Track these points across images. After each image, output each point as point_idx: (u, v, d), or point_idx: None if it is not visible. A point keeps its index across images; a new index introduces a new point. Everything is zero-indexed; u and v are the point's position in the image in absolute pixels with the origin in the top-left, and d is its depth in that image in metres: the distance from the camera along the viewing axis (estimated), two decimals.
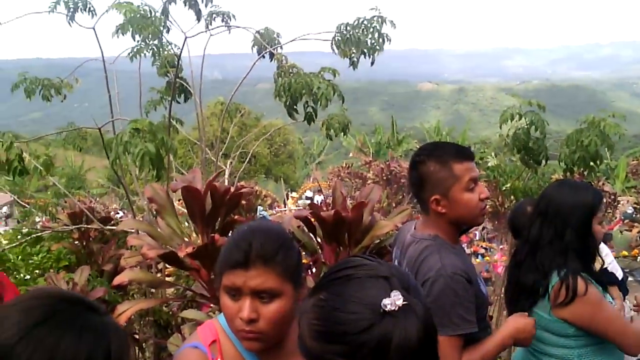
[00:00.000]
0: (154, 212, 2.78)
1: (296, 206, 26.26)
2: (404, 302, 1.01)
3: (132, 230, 6.03)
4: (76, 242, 6.33)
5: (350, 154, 37.86)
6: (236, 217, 2.82)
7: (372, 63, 5.67)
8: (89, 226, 5.83)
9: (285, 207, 23.89)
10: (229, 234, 2.59)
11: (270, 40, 6.31)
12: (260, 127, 25.52)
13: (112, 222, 6.49)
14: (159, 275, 3.91)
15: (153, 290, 4.93)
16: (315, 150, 44.33)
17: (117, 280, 2.66)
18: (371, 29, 5.00)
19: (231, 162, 6.83)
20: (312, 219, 2.91)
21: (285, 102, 4.52)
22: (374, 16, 5.03)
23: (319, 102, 4.42)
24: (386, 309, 1.00)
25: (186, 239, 2.83)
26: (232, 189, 2.60)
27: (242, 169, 6.73)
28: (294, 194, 28.86)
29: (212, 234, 2.60)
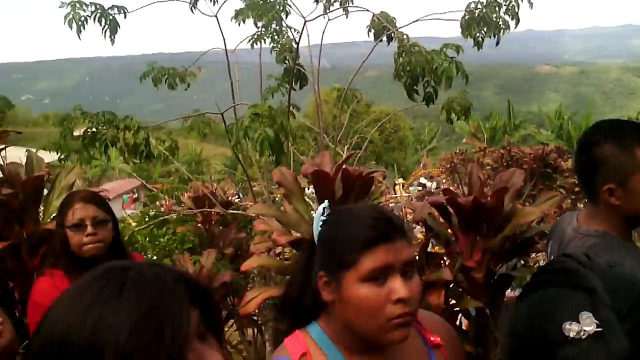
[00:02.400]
0: (282, 197, 2.68)
1: (406, 193, 25.84)
2: (596, 329, 0.77)
3: (253, 215, 6.09)
4: (199, 226, 6.52)
5: (463, 140, 36.63)
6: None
7: (497, 43, 5.31)
8: (211, 210, 5.94)
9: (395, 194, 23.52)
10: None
11: (387, 23, 6.09)
12: (372, 114, 25.33)
13: (233, 206, 6.61)
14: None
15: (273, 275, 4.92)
16: (426, 137, 43.41)
17: (246, 266, 2.59)
18: (505, 7, 4.64)
19: (348, 148, 6.70)
20: (448, 206, 2.68)
21: (405, 82, 4.30)
22: None
23: (440, 82, 4.13)
24: (569, 336, 0.78)
25: None
26: (364, 173, 2.44)
27: (358, 156, 6.59)
28: (401, 180, 28.34)
29: None
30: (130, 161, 4.05)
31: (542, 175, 13.21)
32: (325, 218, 1.40)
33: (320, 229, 1.40)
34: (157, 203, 7.89)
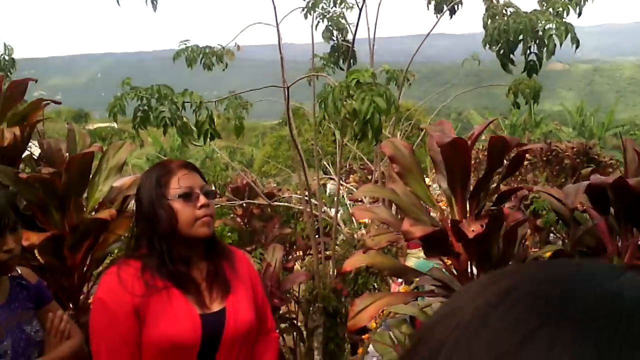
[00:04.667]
0: (394, 176, 2.12)
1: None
2: None
3: (299, 209, 5.53)
4: (237, 219, 5.99)
5: (482, 138, 35.75)
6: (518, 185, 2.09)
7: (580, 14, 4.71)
8: (254, 202, 5.40)
9: None
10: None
11: None
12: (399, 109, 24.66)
13: (275, 198, 6.07)
14: None
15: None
16: None
17: (350, 264, 2.04)
18: None
19: (402, 135, 6.16)
20: (609, 191, 2.11)
21: (498, 50, 3.71)
22: None
23: (547, 46, 3.52)
24: None
25: (432, 213, 2.16)
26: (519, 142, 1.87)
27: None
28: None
29: (494, 207, 1.90)
30: (188, 143, 3.50)
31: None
32: None
33: None
34: None
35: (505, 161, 2.10)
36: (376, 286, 5.53)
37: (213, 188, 1.95)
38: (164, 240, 1.78)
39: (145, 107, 3.17)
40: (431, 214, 2.27)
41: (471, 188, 2.07)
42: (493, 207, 1.90)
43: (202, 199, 1.82)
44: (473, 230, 1.66)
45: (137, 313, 1.72)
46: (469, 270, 2.09)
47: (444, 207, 2.19)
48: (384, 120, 4.14)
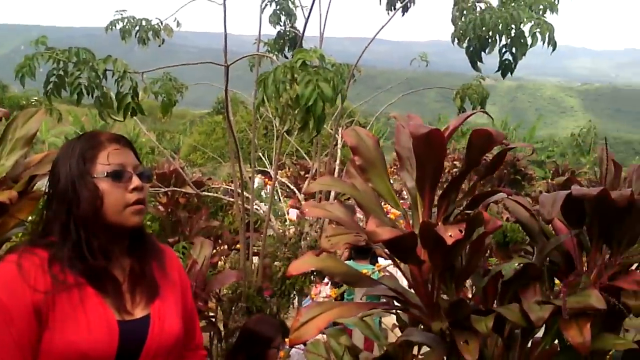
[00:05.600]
0: (354, 170, 1.84)
1: None
2: None
3: (229, 200, 5.17)
4: (160, 208, 5.55)
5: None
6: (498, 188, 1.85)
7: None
8: (181, 190, 4.98)
9: None
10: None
11: None
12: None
13: (204, 188, 5.67)
14: None
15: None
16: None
17: (296, 268, 1.74)
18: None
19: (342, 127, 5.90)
20: (587, 203, 1.92)
21: (469, 47, 3.50)
22: None
23: (524, 46, 3.33)
24: None
25: (393, 210, 1.89)
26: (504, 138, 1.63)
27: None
28: None
29: (470, 210, 1.65)
30: (106, 118, 3.06)
31: (511, 181, 12.84)
32: None
33: None
34: None
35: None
36: (304, 288, 5.30)
37: (148, 171, 1.60)
38: (83, 226, 1.44)
39: (61, 72, 2.73)
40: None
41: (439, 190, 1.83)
42: (468, 211, 1.66)
43: (136, 181, 1.49)
44: (451, 236, 1.41)
45: (37, 313, 1.36)
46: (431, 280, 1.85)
47: (406, 209, 1.93)
48: (328, 110, 3.86)
